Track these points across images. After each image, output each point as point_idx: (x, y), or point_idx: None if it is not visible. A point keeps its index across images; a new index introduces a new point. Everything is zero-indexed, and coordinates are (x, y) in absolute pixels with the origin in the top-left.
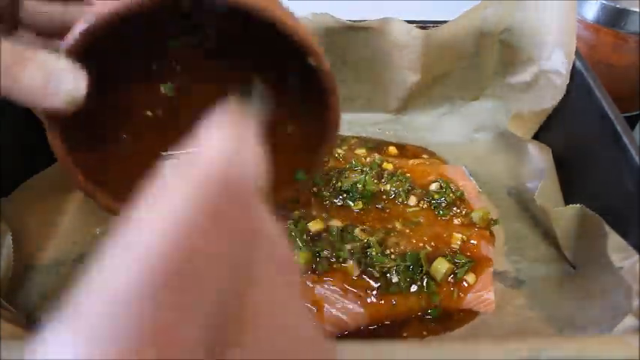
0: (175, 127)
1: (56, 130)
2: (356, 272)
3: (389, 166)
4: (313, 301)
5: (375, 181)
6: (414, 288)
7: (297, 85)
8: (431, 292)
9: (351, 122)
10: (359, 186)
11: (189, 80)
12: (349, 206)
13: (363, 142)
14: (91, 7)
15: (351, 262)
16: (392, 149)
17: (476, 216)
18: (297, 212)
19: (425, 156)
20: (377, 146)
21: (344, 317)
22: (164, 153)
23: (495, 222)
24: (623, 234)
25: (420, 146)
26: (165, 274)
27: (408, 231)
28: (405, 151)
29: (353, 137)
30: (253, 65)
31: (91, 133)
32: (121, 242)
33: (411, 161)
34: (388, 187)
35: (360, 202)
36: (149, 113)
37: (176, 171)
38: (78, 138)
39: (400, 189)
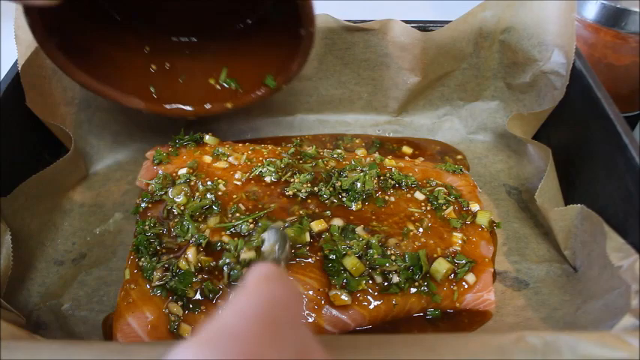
0: (163, 16)
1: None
2: (357, 273)
3: (389, 167)
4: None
5: (375, 181)
6: (414, 289)
7: None
8: (431, 292)
9: (352, 123)
10: (359, 185)
11: None
12: (349, 206)
13: (370, 141)
14: None
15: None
16: (406, 149)
17: (477, 218)
18: (300, 212)
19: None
20: (383, 145)
21: (344, 317)
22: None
23: (497, 225)
24: (623, 234)
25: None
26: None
27: (408, 231)
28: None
29: (357, 136)
30: None
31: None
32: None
33: (410, 161)
34: (388, 187)
35: (360, 202)
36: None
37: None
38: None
39: (400, 189)
